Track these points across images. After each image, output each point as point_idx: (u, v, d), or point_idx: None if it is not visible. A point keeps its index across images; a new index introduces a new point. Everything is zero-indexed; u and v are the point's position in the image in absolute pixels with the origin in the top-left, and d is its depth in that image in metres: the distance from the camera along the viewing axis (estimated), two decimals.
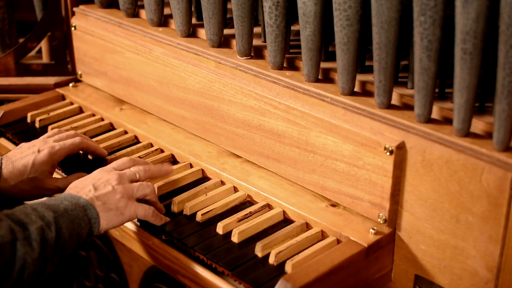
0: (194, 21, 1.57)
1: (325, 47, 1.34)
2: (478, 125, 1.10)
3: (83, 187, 1.20)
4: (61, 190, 1.33)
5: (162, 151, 1.49)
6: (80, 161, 1.45)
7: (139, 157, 1.45)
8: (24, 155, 1.33)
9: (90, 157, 1.47)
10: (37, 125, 1.62)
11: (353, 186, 1.20)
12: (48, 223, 1.09)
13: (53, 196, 1.32)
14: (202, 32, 1.51)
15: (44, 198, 1.19)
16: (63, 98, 1.74)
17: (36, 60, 1.85)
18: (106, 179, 1.22)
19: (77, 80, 1.79)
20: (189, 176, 1.39)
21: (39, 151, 1.34)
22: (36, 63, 1.82)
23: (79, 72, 1.77)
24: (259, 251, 1.17)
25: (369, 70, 1.29)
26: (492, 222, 1.05)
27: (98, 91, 1.73)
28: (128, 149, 1.49)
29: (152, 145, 1.51)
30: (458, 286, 1.13)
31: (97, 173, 1.24)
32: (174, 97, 1.50)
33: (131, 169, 1.27)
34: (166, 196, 1.34)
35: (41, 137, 1.43)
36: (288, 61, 1.36)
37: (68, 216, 1.12)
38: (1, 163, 1.31)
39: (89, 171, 1.41)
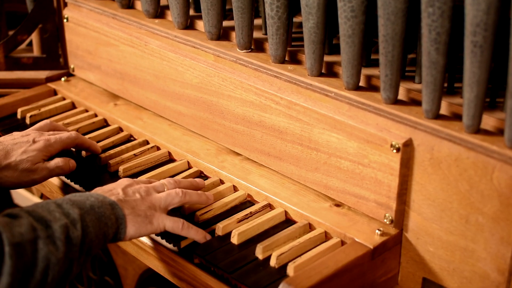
0: (192, 12, 1.57)
1: (328, 40, 1.34)
2: (488, 121, 1.10)
3: (110, 190, 1.19)
4: (50, 171, 1.33)
5: (158, 148, 1.49)
6: (73, 158, 1.45)
7: (134, 154, 1.45)
8: (16, 142, 1.34)
9: (83, 154, 1.47)
10: (27, 121, 1.63)
11: (358, 185, 1.20)
12: (73, 221, 1.07)
13: (41, 181, 1.34)
14: (200, 24, 1.51)
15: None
16: (54, 93, 1.75)
17: (27, 54, 1.85)
18: (134, 187, 1.21)
19: (69, 74, 1.80)
20: (187, 175, 1.39)
21: (34, 141, 1.34)
22: (26, 56, 1.82)
23: (72, 66, 1.77)
24: (259, 253, 1.17)
25: (374, 63, 1.29)
26: (504, 222, 1.05)
27: (92, 85, 1.74)
28: (123, 146, 1.49)
29: (148, 142, 1.51)
30: None
31: (125, 180, 1.23)
32: (171, 92, 1.50)
33: (161, 181, 1.26)
34: None
35: (33, 127, 1.43)
36: (290, 54, 1.36)
37: (94, 213, 1.10)
38: None
39: (83, 168, 1.41)
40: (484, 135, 1.08)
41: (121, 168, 1.40)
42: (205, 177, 1.40)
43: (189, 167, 1.43)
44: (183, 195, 1.23)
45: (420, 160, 1.12)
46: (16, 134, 1.38)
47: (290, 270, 1.12)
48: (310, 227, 1.24)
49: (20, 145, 1.33)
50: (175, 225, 1.19)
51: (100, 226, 1.10)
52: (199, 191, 1.27)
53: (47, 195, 1.56)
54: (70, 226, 1.06)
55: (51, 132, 1.40)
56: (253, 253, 1.18)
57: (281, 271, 1.13)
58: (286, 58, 1.35)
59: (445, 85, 1.19)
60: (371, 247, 1.15)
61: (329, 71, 1.31)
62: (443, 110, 1.15)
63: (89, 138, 1.51)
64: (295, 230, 1.22)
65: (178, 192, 1.22)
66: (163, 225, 1.19)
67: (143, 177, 1.36)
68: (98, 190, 1.19)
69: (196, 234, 1.20)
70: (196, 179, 1.33)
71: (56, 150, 1.37)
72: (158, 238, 1.24)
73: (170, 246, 1.22)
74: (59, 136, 1.38)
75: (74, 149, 1.47)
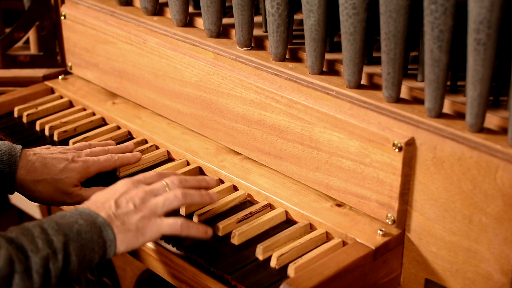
0: (191, 9, 1.57)
1: (330, 37, 1.34)
2: (492, 120, 1.10)
3: (103, 202, 1.16)
4: (84, 200, 1.28)
5: (157, 147, 1.49)
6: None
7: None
8: (55, 156, 1.32)
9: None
10: (24, 120, 1.63)
11: (359, 184, 1.20)
12: (55, 251, 1.05)
13: (72, 205, 1.30)
14: (199, 22, 1.51)
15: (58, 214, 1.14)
16: (52, 91, 1.75)
17: (24, 51, 1.85)
18: (129, 195, 1.17)
19: (67, 73, 1.80)
20: (186, 174, 1.39)
21: (73, 160, 1.32)
22: (23, 54, 1.82)
23: (69, 64, 1.77)
24: (260, 254, 1.17)
25: (376, 61, 1.29)
26: (507, 223, 1.05)
27: (89, 84, 1.74)
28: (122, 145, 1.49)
29: (146, 141, 1.51)
30: None
31: (122, 186, 1.19)
32: (170, 90, 1.50)
33: (163, 181, 1.21)
34: None
35: (71, 147, 1.40)
36: (290, 52, 1.36)
37: (80, 240, 1.08)
38: (21, 151, 1.29)
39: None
40: (487, 134, 1.08)
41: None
42: None
43: None
44: (183, 198, 1.19)
45: (423, 159, 1.12)
46: (53, 148, 1.36)
47: (290, 271, 1.12)
48: (311, 227, 1.24)
49: (59, 161, 1.31)
50: (173, 228, 1.16)
51: (85, 253, 1.09)
52: (203, 191, 1.23)
53: None
54: (51, 257, 1.04)
55: (88, 151, 1.38)
56: (253, 254, 1.18)
57: (282, 272, 1.13)
58: (287, 56, 1.35)
59: (448, 83, 1.19)
60: (373, 247, 1.15)
61: (330, 69, 1.31)
62: (446, 109, 1.15)
63: (86, 137, 1.51)
64: (296, 231, 1.22)
65: (177, 195, 1.18)
66: (160, 232, 1.16)
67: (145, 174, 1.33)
68: (91, 205, 1.16)
69: (197, 232, 1.18)
70: (205, 177, 1.28)
71: (94, 173, 1.34)
72: None
73: (169, 246, 1.22)
74: (97, 158, 1.35)
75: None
